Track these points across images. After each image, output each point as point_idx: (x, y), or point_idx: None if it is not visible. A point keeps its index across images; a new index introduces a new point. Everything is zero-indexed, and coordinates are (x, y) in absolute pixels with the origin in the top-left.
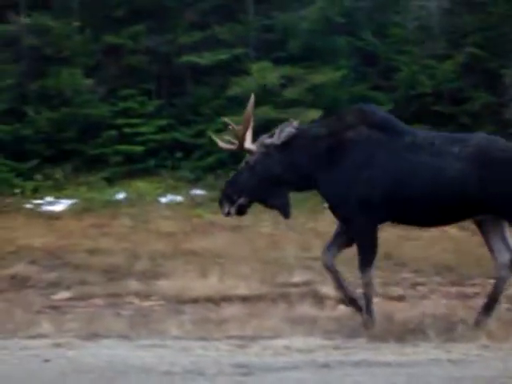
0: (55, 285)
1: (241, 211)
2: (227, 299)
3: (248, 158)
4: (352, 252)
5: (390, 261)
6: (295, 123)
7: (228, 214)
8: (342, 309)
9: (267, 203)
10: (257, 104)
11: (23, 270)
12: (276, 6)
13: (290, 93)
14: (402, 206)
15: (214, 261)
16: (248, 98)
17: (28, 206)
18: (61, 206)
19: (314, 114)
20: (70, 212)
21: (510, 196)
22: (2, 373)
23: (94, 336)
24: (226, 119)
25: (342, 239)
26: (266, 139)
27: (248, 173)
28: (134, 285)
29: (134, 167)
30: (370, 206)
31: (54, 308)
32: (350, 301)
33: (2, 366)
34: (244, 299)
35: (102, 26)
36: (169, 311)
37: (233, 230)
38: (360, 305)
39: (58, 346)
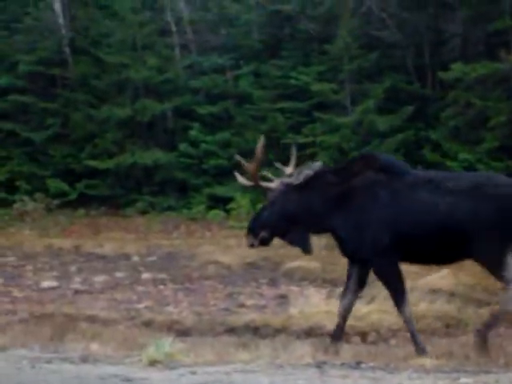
0: None
1: (263, 243)
2: None
3: (269, 195)
4: None
5: None
6: (316, 164)
7: (252, 245)
8: None
9: (286, 239)
10: None
11: None
12: None
13: None
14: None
15: None
16: None
17: None
18: None
19: None
20: None
21: None
22: None
23: None
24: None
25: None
26: (285, 179)
27: (269, 209)
28: None
29: None
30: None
31: None
32: None
33: None
34: None
35: None
36: None
37: None
38: None
39: None
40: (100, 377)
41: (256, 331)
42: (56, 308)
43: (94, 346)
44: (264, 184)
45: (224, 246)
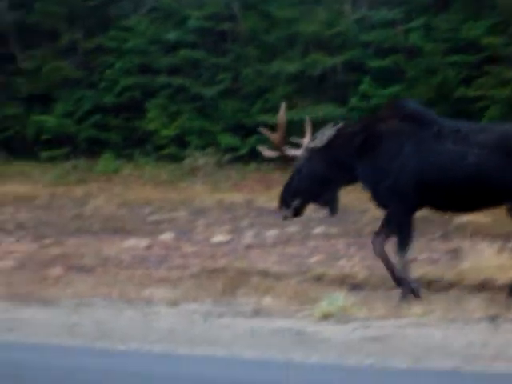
0: None
1: (297, 213)
2: None
3: (295, 163)
4: None
5: None
6: (335, 125)
7: (285, 217)
8: None
9: (318, 202)
10: None
11: None
12: None
13: None
14: (431, 191)
15: None
16: None
17: None
18: None
19: None
20: None
21: None
22: None
23: None
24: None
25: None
26: (309, 144)
27: (297, 177)
28: None
29: None
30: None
31: None
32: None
33: None
34: None
35: None
36: None
37: None
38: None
39: None
40: (272, 330)
41: (429, 285)
42: (228, 262)
43: (266, 300)
44: (289, 152)
45: None
